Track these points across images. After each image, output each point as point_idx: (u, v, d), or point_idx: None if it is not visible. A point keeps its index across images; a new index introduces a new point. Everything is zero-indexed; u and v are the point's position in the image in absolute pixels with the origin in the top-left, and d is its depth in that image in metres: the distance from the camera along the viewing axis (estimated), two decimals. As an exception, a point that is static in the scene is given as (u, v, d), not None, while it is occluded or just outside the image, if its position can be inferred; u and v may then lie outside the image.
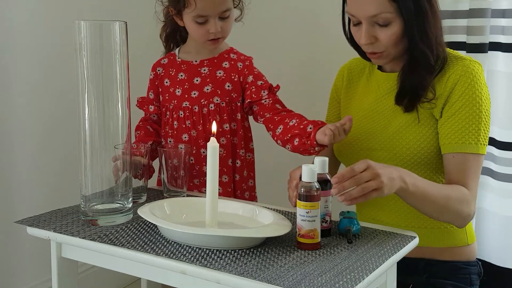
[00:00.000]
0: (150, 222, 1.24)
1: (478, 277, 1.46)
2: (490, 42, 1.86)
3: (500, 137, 1.87)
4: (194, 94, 1.58)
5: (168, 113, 1.62)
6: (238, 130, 1.61)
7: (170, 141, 1.61)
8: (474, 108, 1.32)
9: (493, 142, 1.89)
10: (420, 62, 1.36)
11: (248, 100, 1.59)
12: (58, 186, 2.11)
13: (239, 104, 1.61)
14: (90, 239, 1.16)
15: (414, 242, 1.18)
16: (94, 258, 1.19)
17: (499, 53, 1.85)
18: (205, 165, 1.56)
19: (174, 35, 1.68)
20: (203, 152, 1.58)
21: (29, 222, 1.25)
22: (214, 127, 1.22)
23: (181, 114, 1.59)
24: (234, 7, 1.60)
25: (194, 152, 1.57)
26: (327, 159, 1.18)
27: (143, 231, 1.20)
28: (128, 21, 1.24)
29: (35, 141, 2.06)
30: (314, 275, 0.99)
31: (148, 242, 1.14)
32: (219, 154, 1.55)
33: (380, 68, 1.50)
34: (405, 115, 1.39)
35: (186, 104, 1.59)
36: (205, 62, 1.61)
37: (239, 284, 0.99)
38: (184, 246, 1.12)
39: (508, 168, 1.86)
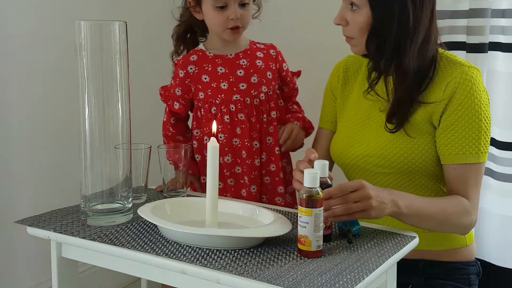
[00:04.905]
0: (150, 222, 1.24)
1: (477, 277, 1.46)
2: (490, 42, 1.85)
3: (500, 137, 1.87)
4: (243, 86, 1.57)
5: (214, 108, 1.57)
6: (282, 116, 1.65)
7: (220, 137, 1.57)
8: (473, 117, 1.30)
9: (493, 142, 1.88)
10: (402, 68, 1.31)
11: (296, 86, 1.69)
12: (58, 186, 2.11)
13: (278, 91, 1.64)
14: (90, 239, 1.16)
15: (414, 242, 1.18)
16: (94, 258, 1.19)
17: (499, 53, 1.85)
18: (256, 159, 1.58)
19: (185, 36, 1.66)
20: (256, 144, 1.57)
21: (29, 222, 1.25)
22: (214, 127, 1.22)
23: (232, 108, 1.57)
24: (253, 1, 1.60)
25: (247, 145, 1.57)
26: (327, 162, 1.15)
27: (143, 231, 1.20)
28: (128, 21, 1.24)
29: (35, 141, 2.06)
30: (314, 275, 0.99)
31: (148, 242, 1.14)
32: (268, 143, 1.60)
33: None
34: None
35: (236, 97, 1.57)
36: (240, 54, 1.60)
37: (239, 284, 0.99)
38: (184, 246, 1.12)
39: (508, 168, 1.86)
